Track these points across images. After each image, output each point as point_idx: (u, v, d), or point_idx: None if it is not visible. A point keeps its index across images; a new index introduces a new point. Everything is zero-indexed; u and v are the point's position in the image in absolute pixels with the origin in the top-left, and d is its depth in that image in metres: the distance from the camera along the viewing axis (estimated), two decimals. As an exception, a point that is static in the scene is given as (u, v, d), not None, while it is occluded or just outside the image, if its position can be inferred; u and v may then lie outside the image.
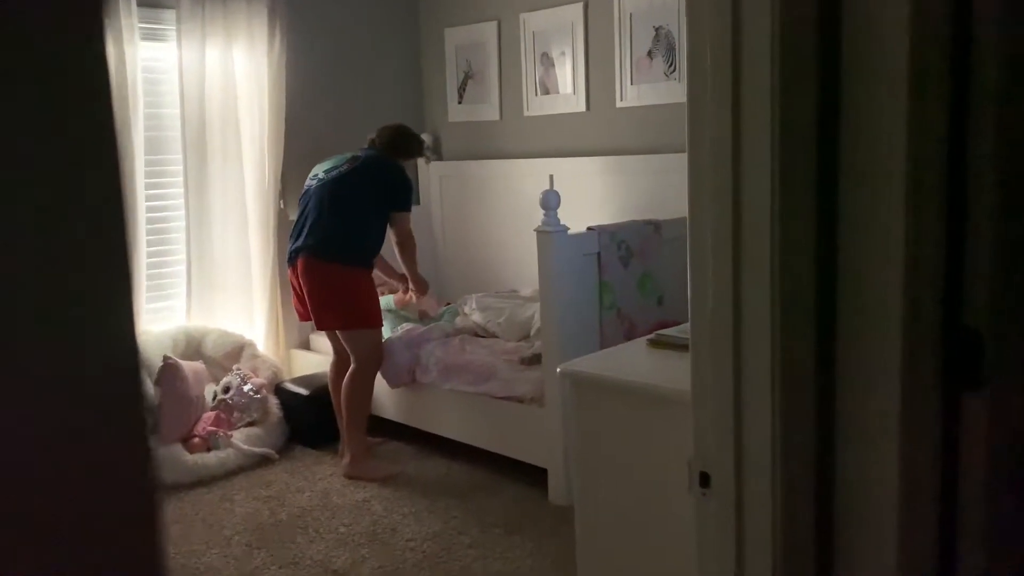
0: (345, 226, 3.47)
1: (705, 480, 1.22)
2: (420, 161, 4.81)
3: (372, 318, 3.56)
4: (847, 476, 1.16)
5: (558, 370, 2.20)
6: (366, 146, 3.72)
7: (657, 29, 3.85)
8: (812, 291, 1.12)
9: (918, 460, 1.13)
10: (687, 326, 1.27)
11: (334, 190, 3.50)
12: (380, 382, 3.72)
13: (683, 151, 1.18)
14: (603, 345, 3.11)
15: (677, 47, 3.79)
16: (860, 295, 1.10)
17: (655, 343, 2.22)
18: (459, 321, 4.03)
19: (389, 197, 3.54)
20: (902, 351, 1.07)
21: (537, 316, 3.64)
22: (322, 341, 4.13)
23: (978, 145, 1.09)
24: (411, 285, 3.82)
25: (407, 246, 3.66)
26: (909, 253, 1.06)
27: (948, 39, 1.07)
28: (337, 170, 3.55)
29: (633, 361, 2.15)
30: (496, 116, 4.59)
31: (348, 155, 3.62)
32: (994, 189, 1.10)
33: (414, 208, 3.79)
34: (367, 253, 3.54)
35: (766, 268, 1.09)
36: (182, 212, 4.12)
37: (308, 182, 3.64)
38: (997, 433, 1.17)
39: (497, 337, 3.87)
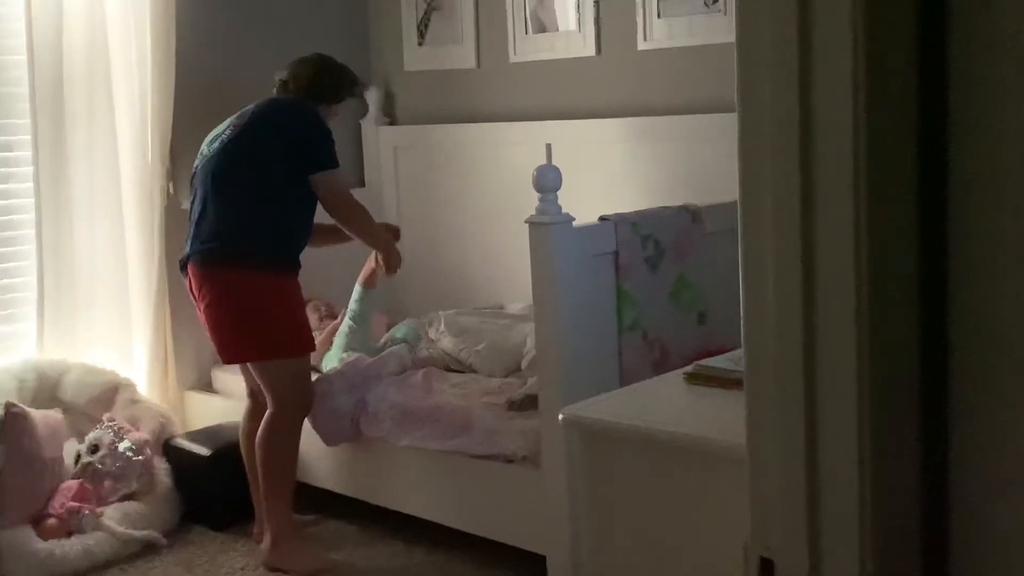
0: (243, 214, 3.46)
1: (767, 570, 1.22)
2: (366, 121, 4.81)
3: (294, 342, 3.53)
4: (969, 559, 1.16)
5: (560, 416, 2.19)
6: (275, 89, 3.69)
7: (694, -60, 3.88)
8: (915, 295, 1.12)
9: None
10: (740, 353, 1.27)
11: (221, 165, 3.48)
12: (312, 437, 3.70)
13: (731, 110, 1.18)
14: (623, 381, 3.11)
15: (722, -35, 3.81)
16: (985, 291, 1.10)
17: (695, 377, 2.23)
18: (422, 349, 4.02)
19: (301, 155, 3.49)
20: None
21: (531, 341, 3.63)
22: (231, 379, 4.11)
23: None
24: (378, 258, 3.76)
25: (350, 212, 3.60)
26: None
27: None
28: (220, 139, 3.54)
29: (665, 403, 2.14)
30: (471, 63, 4.60)
31: (237, 113, 3.60)
32: None
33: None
34: (284, 248, 3.51)
35: (850, 265, 1.09)
36: (31, 200, 4.10)
37: (197, 160, 3.63)
38: None
39: (475, 371, 3.86)
